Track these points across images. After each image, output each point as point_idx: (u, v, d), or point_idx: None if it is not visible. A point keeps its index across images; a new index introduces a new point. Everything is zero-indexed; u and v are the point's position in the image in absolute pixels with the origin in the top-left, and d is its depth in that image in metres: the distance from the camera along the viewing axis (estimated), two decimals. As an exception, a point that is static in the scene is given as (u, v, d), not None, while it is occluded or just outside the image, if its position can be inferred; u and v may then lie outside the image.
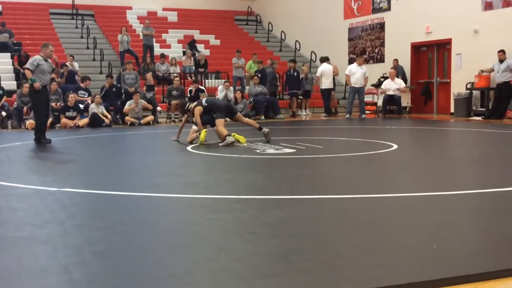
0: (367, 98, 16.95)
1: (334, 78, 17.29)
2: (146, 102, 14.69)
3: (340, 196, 4.64)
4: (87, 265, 2.96)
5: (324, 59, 17.28)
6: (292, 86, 17.10)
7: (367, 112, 16.56)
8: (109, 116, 14.15)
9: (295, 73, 17.04)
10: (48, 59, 10.13)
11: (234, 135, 9.01)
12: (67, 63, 16.44)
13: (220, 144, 8.77)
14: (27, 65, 10.07)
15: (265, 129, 9.35)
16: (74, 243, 3.37)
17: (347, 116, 15.96)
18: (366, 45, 19.42)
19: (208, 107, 9.33)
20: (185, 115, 9.75)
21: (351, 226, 3.68)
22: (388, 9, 18.45)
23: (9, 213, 4.24)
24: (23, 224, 3.89)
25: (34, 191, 5.10)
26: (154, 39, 19.35)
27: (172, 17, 23.52)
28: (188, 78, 18.05)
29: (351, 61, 18.60)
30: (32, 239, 3.49)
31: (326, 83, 16.81)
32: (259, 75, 16.84)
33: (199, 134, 9.01)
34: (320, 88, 17.15)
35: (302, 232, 3.55)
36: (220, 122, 9.10)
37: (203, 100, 9.55)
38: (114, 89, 15.33)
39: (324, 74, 16.82)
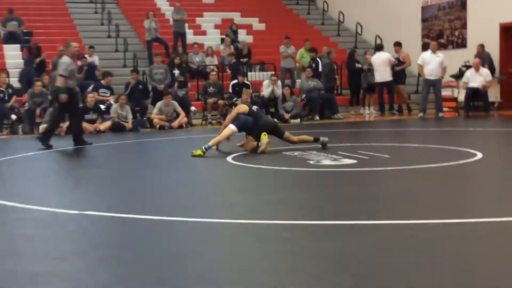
0: (445, 93, 16.74)
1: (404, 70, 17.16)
2: (178, 105, 14.79)
3: (412, 222, 4.65)
4: (115, 308, 3.10)
5: (377, 48, 17.52)
6: None
7: (445, 109, 16.36)
8: (130, 122, 14.38)
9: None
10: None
11: (265, 134, 9.24)
12: (86, 55, 16.84)
13: (258, 151, 9.10)
14: (61, 72, 10.63)
15: (324, 138, 9.56)
16: (100, 281, 3.51)
17: (420, 115, 15.83)
18: (444, 27, 19.19)
19: (254, 114, 9.55)
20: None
21: (426, 260, 3.69)
22: (471, -18, 18.19)
23: (24, 243, 4.43)
24: (40, 256, 4.07)
25: (52, 215, 5.31)
26: (186, 25, 19.59)
27: (208, -3, 23.75)
28: (227, 71, 18.21)
29: (425, 47, 18.43)
30: (51, 275, 3.66)
31: (376, 76, 16.74)
32: (313, 66, 16.84)
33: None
34: None
35: (365, 268, 3.59)
36: (251, 140, 9.38)
37: (254, 107, 9.81)
38: (140, 86, 15.62)
39: (374, 65, 16.75)
